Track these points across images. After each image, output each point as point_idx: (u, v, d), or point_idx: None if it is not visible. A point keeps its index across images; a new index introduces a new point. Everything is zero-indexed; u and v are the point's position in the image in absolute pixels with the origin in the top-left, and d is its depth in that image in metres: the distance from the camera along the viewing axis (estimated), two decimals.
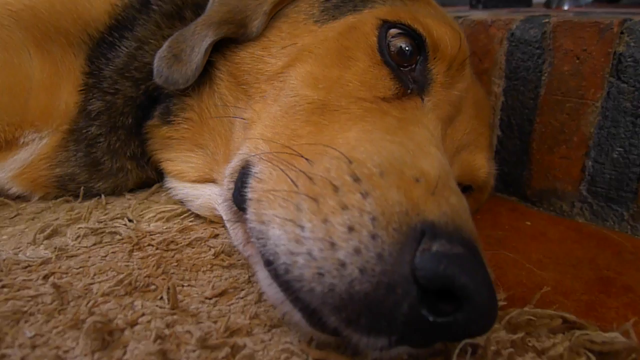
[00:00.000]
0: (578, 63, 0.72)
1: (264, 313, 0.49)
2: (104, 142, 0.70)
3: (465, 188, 0.66)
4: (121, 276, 0.54)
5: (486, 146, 0.67)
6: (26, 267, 0.56)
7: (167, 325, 0.46)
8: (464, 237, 0.37)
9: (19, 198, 0.74)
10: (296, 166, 0.44)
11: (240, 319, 0.48)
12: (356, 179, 0.40)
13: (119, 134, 0.71)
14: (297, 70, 0.56)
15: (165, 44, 0.63)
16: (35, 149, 0.70)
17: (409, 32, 0.56)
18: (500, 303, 0.54)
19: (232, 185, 0.52)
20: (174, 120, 0.68)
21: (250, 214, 0.44)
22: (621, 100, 0.70)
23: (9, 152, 0.69)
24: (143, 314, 0.47)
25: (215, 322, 0.47)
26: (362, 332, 0.36)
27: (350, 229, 0.37)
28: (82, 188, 0.72)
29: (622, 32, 0.69)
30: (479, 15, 0.86)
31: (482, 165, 0.65)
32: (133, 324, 0.46)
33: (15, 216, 0.70)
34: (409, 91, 0.55)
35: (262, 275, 0.43)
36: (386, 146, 0.45)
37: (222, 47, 0.63)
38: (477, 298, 0.34)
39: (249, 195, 0.46)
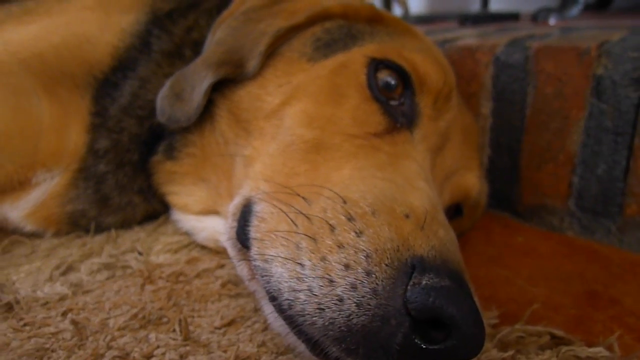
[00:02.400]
0: (560, 85, 0.76)
1: (270, 341, 0.52)
2: (111, 179, 0.74)
3: (458, 209, 0.70)
4: (135, 310, 0.57)
5: (476, 167, 0.70)
6: (45, 304, 0.60)
7: (181, 357, 0.49)
8: (451, 270, 0.41)
9: (33, 235, 0.77)
10: (295, 206, 0.47)
11: (248, 347, 0.51)
12: (350, 219, 0.43)
13: (126, 170, 0.74)
14: (293, 109, 0.59)
15: (167, 84, 0.67)
16: (47, 188, 0.73)
17: (396, 68, 0.60)
18: (493, 321, 0.57)
19: (235, 224, 0.55)
20: (177, 156, 0.71)
21: (254, 253, 0.47)
22: (602, 119, 0.73)
23: (22, 192, 0.73)
24: (158, 347, 0.50)
25: (225, 352, 0.50)
26: None
27: (347, 266, 0.40)
28: (93, 223, 0.76)
29: (599, 55, 0.72)
30: (465, 40, 0.89)
31: (473, 183, 0.68)
32: (149, 356, 0.49)
33: (30, 253, 0.73)
34: (398, 125, 0.58)
35: (268, 310, 0.47)
36: (377, 184, 0.48)
37: (222, 85, 0.66)
38: (464, 327, 0.37)
39: (252, 234, 0.49)
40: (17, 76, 0.70)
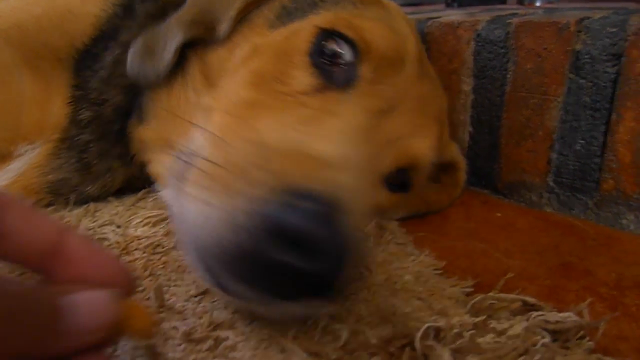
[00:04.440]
0: (540, 61, 0.76)
1: (245, 308, 0.52)
2: (95, 147, 0.74)
3: (404, 175, 0.70)
4: None
5: (431, 136, 0.69)
6: (21, 274, 0.60)
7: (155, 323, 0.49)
8: (331, 203, 0.41)
9: None
10: (219, 151, 0.50)
11: (223, 314, 0.51)
12: (260, 157, 0.46)
13: (109, 138, 0.74)
14: (243, 70, 0.63)
15: (140, 39, 0.67)
16: (28, 159, 0.73)
17: (342, 37, 0.62)
18: (467, 289, 0.58)
19: (177, 166, 0.57)
20: (145, 119, 0.72)
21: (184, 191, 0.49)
22: (581, 95, 0.74)
23: (3, 164, 0.72)
24: None
25: (200, 318, 0.50)
26: (243, 283, 0.41)
27: (238, 193, 0.42)
28: (73, 195, 0.75)
29: (579, 31, 0.73)
30: (448, 17, 0.89)
31: (422, 151, 0.67)
32: None
33: None
34: (333, 86, 0.60)
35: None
36: (291, 132, 0.52)
37: (196, 46, 0.68)
38: (322, 245, 0.38)
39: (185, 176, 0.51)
40: None
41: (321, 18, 0.64)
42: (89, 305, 0.33)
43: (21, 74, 0.70)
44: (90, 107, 0.72)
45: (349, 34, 0.61)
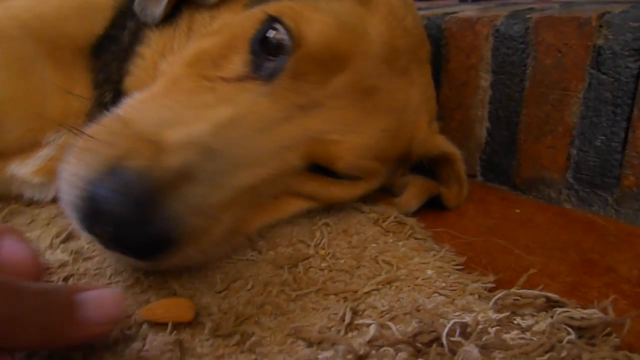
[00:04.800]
0: (560, 56, 0.75)
1: (269, 303, 0.53)
2: None
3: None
4: (135, 276, 0.58)
5: (363, 136, 0.66)
6: (46, 270, 0.60)
7: None
8: (138, 183, 0.47)
9: (32, 203, 0.79)
10: (111, 122, 0.56)
11: (248, 309, 0.52)
12: (112, 134, 0.52)
13: None
14: (196, 45, 0.66)
15: None
16: (56, 145, 0.75)
17: (285, 27, 0.61)
18: (489, 285, 0.58)
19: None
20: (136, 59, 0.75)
21: None
22: (602, 91, 0.73)
23: (32, 152, 0.75)
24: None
25: (225, 313, 0.51)
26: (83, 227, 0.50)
27: (89, 167, 0.50)
28: None
29: (600, 26, 0.72)
30: (466, 13, 0.89)
31: (340, 150, 0.65)
32: None
33: (30, 222, 0.73)
34: (255, 75, 0.61)
35: None
36: (164, 115, 0.56)
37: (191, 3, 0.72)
38: (110, 216, 0.46)
39: None
40: (20, 40, 0.70)
41: (275, 5, 0.64)
42: (98, 301, 0.40)
43: (43, 64, 0.71)
44: (115, 88, 0.74)
45: (290, 23, 0.60)
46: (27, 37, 0.70)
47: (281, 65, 0.61)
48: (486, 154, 0.89)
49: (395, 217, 0.73)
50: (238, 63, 0.62)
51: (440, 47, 0.89)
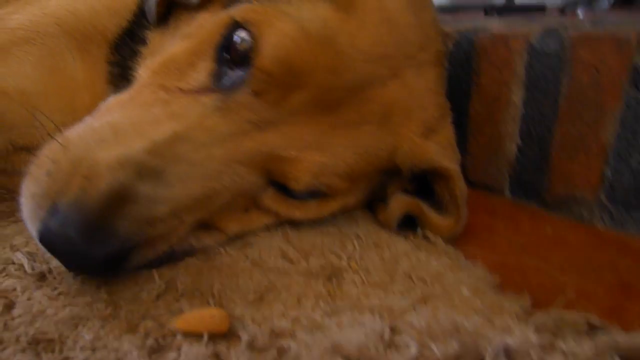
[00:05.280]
0: (597, 75, 0.75)
1: (304, 317, 0.52)
2: None
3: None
4: (167, 284, 0.57)
5: (325, 150, 0.63)
6: (77, 275, 0.60)
7: None
8: (76, 217, 0.50)
9: None
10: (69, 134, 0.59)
11: (282, 322, 0.51)
12: (52, 161, 0.55)
13: None
14: (166, 51, 0.66)
15: None
16: None
17: (249, 34, 0.59)
18: (525, 306, 0.57)
19: None
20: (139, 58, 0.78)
21: None
22: (639, 110, 0.72)
23: None
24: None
25: (259, 326, 0.50)
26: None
27: (32, 195, 0.54)
28: None
29: (639, 45, 0.71)
30: (498, 28, 0.88)
31: (296, 174, 0.63)
32: None
33: None
34: (214, 87, 0.60)
35: None
36: (100, 133, 0.56)
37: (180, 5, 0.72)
38: (60, 253, 0.53)
39: None
40: (54, 37, 0.73)
41: (243, 8, 0.61)
42: None
43: (74, 59, 0.74)
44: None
45: (254, 32, 0.58)
46: (61, 33, 0.73)
47: (241, 78, 0.59)
48: (515, 170, 0.88)
49: (425, 232, 0.72)
50: (202, 72, 0.61)
51: (471, 61, 0.89)
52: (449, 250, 0.69)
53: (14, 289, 0.56)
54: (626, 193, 0.76)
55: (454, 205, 0.71)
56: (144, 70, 0.66)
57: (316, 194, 0.66)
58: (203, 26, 0.65)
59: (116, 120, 0.58)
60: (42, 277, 0.59)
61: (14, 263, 0.62)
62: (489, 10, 1.51)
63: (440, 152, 0.70)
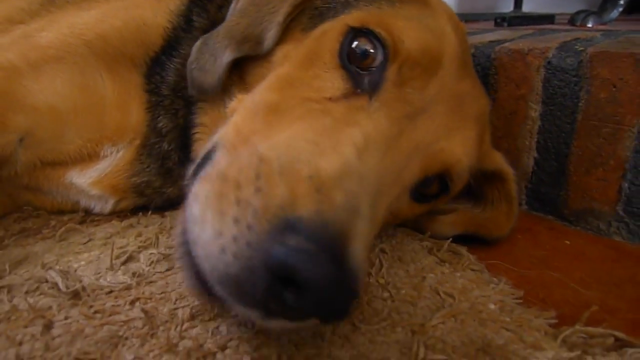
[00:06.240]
0: (615, 91, 0.76)
1: (336, 334, 0.53)
2: (174, 156, 0.79)
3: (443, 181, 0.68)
4: (200, 302, 0.58)
5: (467, 139, 0.66)
6: (110, 293, 0.61)
7: (255, 349, 0.50)
8: (327, 235, 0.41)
9: (87, 213, 0.84)
10: (225, 158, 0.51)
11: (316, 340, 0.52)
12: (258, 176, 0.45)
13: (190, 148, 0.78)
14: (272, 73, 0.64)
15: (193, 52, 0.70)
16: (113, 161, 0.79)
17: (373, 36, 0.60)
18: (551, 321, 0.58)
19: (197, 162, 0.58)
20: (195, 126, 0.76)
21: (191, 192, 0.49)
22: None
23: (91, 162, 0.79)
24: (231, 339, 0.52)
25: (295, 346, 0.52)
26: (239, 303, 0.43)
27: (236, 220, 0.42)
28: (156, 195, 0.81)
29: None
30: (516, 43, 0.90)
31: (455, 154, 0.64)
32: (223, 348, 0.50)
33: (87, 242, 0.75)
34: (359, 91, 0.59)
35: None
36: (300, 146, 0.49)
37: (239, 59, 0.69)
38: (314, 289, 0.38)
39: (201, 173, 0.51)
40: (83, 56, 0.74)
41: (352, 16, 0.63)
42: None
43: (104, 80, 0.76)
44: (166, 115, 0.77)
45: (380, 32, 0.60)
46: (90, 54, 0.75)
47: (381, 76, 0.60)
48: (532, 183, 0.89)
49: (448, 246, 0.73)
50: (334, 80, 0.60)
51: (489, 76, 0.90)
52: (474, 264, 0.70)
53: (50, 307, 0.58)
54: None
55: (508, 204, 0.77)
56: (252, 95, 0.63)
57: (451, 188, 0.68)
58: (300, 47, 0.64)
59: (290, 132, 0.53)
60: (76, 295, 0.60)
61: (47, 281, 0.63)
62: (499, 21, 1.52)
63: (502, 156, 0.77)
